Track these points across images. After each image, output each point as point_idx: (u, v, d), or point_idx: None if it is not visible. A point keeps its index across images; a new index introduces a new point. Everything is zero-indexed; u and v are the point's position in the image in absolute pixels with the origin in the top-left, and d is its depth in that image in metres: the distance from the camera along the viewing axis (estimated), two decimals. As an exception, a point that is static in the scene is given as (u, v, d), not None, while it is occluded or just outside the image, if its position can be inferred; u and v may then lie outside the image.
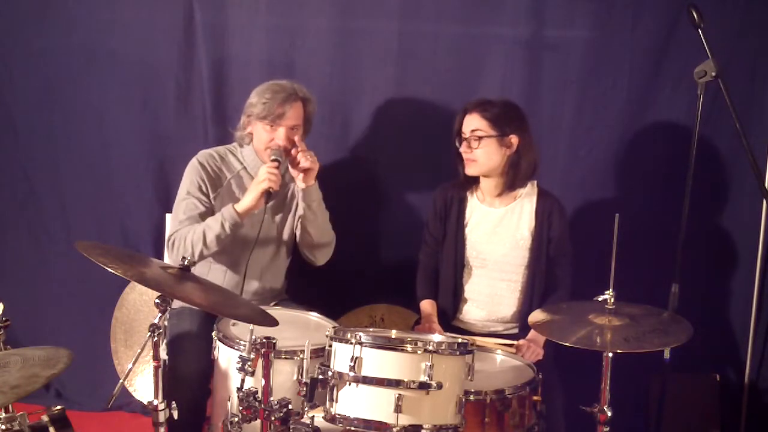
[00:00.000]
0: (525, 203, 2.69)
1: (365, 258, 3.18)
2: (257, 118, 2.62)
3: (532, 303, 2.64)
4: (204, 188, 2.63)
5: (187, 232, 2.55)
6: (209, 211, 2.63)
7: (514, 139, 2.62)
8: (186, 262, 2.09)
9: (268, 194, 2.53)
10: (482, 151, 2.60)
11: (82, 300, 3.29)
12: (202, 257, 2.56)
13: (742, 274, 3.10)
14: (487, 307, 2.71)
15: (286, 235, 2.78)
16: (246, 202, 2.54)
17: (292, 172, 2.64)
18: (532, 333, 2.58)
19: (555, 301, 2.63)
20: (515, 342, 2.57)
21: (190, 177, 2.65)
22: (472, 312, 2.72)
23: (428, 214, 2.80)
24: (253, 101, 2.64)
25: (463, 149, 2.63)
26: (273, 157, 2.58)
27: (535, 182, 2.72)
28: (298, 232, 2.79)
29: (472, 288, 2.72)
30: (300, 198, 2.71)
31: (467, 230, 2.71)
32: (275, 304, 2.72)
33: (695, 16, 2.57)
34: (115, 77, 3.13)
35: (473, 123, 2.61)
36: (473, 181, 2.72)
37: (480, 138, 2.59)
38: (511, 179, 2.66)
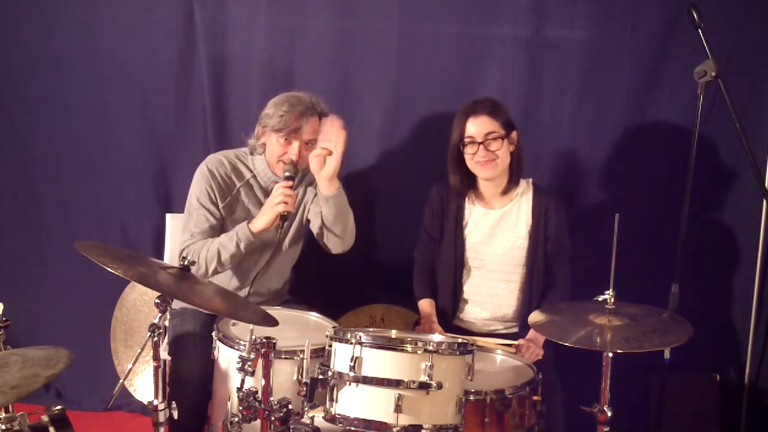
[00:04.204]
0: (522, 203, 2.69)
1: (365, 258, 3.17)
2: (272, 130, 2.57)
3: (531, 302, 2.64)
4: (213, 197, 2.60)
5: (200, 249, 2.53)
6: (219, 222, 2.61)
7: (515, 135, 2.63)
8: (186, 263, 2.09)
9: (283, 216, 2.51)
10: (501, 152, 2.57)
11: (82, 300, 3.29)
12: (216, 273, 2.55)
13: (742, 274, 3.10)
14: (486, 307, 2.71)
15: (292, 238, 2.76)
16: (261, 222, 2.51)
17: (317, 179, 2.54)
18: (531, 333, 2.58)
19: (554, 300, 2.64)
20: (515, 342, 2.57)
21: (200, 185, 2.61)
22: (472, 312, 2.72)
23: (425, 213, 2.78)
24: (270, 112, 2.58)
25: (480, 153, 2.56)
26: (287, 174, 2.54)
27: (530, 180, 2.72)
28: (315, 229, 2.72)
29: (471, 289, 2.72)
30: (326, 206, 2.59)
31: (466, 231, 2.71)
32: (277, 305, 2.72)
33: (695, 16, 2.57)
34: (115, 77, 3.13)
35: (486, 126, 2.57)
36: (470, 184, 2.70)
37: (497, 139, 2.56)
38: (516, 176, 2.66)
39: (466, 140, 2.59)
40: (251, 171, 2.68)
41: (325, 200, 2.56)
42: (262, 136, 2.64)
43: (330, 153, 2.48)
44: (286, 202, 2.48)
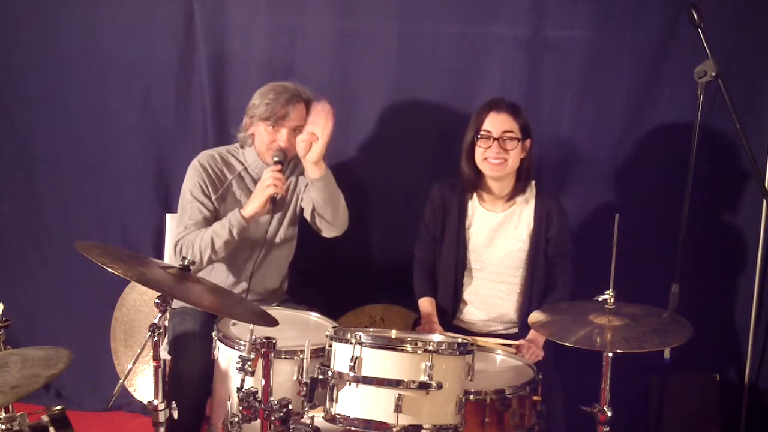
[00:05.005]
0: (524, 207, 2.67)
1: (365, 258, 3.18)
2: (260, 119, 2.61)
3: (531, 304, 2.63)
4: (206, 190, 2.62)
5: (194, 238, 2.54)
6: (213, 214, 2.62)
7: (528, 143, 2.62)
8: (186, 263, 2.09)
9: (273, 200, 2.53)
10: (513, 153, 2.57)
11: (82, 300, 3.29)
12: (210, 262, 2.57)
13: (742, 274, 3.10)
14: (486, 308, 2.70)
15: (287, 234, 2.77)
16: (252, 207, 2.54)
17: (304, 162, 2.57)
18: (531, 333, 2.58)
19: (554, 301, 2.63)
20: (516, 342, 2.57)
21: (192, 179, 2.64)
22: (472, 313, 2.72)
23: (426, 211, 2.77)
24: (256, 102, 2.63)
25: (493, 150, 2.55)
26: (276, 159, 2.57)
27: (533, 183, 2.71)
28: (308, 216, 2.74)
29: (471, 290, 2.71)
30: (314, 189, 2.61)
31: (469, 232, 2.70)
32: (276, 305, 2.72)
33: (695, 16, 2.57)
34: (115, 77, 3.13)
35: (506, 124, 2.57)
36: (475, 183, 2.68)
37: (514, 140, 2.56)
38: (524, 182, 2.65)
39: (483, 134, 2.58)
40: (242, 164, 2.71)
41: (312, 184, 2.59)
42: (250, 127, 2.67)
43: (316, 138, 2.49)
44: (275, 185, 2.51)
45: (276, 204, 2.57)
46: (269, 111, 2.58)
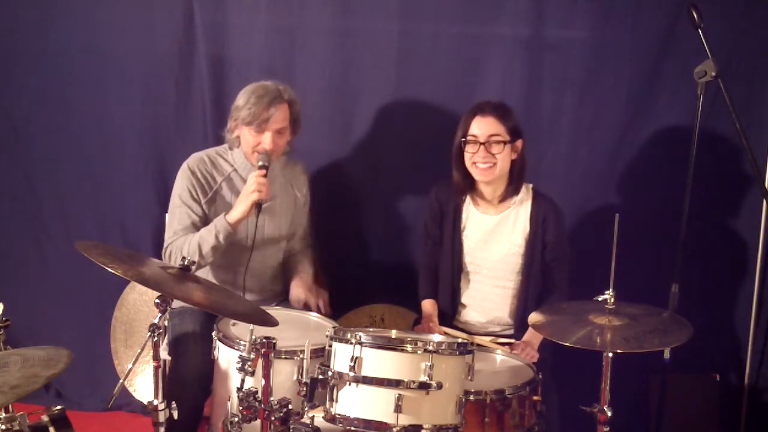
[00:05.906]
0: (520, 209, 2.66)
1: (365, 258, 3.18)
2: (243, 123, 2.60)
3: (526, 308, 2.61)
4: (195, 194, 2.63)
5: (182, 244, 2.55)
6: (202, 218, 2.63)
7: (519, 144, 2.61)
8: (186, 262, 2.09)
9: (258, 205, 2.54)
10: (501, 156, 2.55)
11: (82, 300, 3.29)
12: (200, 267, 2.56)
13: (742, 274, 3.09)
14: (482, 311, 2.70)
15: (281, 233, 2.77)
16: (237, 213, 2.54)
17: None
18: (528, 334, 2.57)
19: (549, 305, 2.61)
20: (512, 341, 2.57)
21: (182, 183, 2.65)
22: (470, 315, 2.72)
23: (426, 216, 2.77)
24: (239, 104, 2.61)
25: (480, 154, 2.54)
26: (260, 164, 2.57)
27: (530, 186, 2.70)
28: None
29: (468, 293, 2.70)
30: None
31: (464, 235, 2.69)
32: (276, 305, 2.72)
33: (695, 16, 2.57)
34: (115, 77, 3.13)
35: (492, 128, 2.55)
36: (469, 186, 2.67)
37: (501, 143, 2.54)
38: (516, 184, 2.64)
39: (469, 138, 2.57)
40: (231, 165, 2.71)
41: None
42: (235, 129, 2.68)
43: None
44: (260, 191, 2.51)
45: (260, 210, 2.56)
46: (251, 115, 2.57)
